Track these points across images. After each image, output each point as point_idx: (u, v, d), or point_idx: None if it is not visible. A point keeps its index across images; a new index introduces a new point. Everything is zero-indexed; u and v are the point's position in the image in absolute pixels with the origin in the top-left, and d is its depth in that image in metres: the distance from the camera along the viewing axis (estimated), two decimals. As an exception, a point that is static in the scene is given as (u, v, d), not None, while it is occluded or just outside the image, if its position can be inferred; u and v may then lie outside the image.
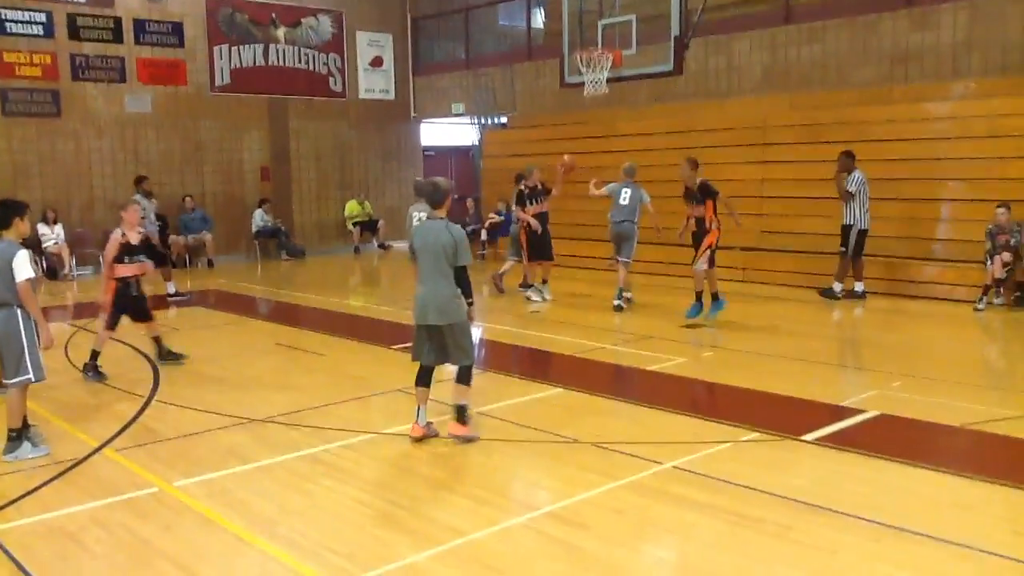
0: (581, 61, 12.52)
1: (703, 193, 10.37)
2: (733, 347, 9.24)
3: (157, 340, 9.02)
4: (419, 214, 12.51)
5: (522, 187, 12.68)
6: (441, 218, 6.23)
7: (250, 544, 4.63)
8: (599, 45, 12.53)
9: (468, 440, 6.18)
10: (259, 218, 19.04)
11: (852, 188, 11.86)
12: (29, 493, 5.36)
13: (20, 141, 16.66)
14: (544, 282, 12.61)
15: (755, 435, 6.18)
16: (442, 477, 5.56)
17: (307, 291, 14.42)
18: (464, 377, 6.26)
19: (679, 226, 11.00)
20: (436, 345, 6.22)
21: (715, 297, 10.45)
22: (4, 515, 5.04)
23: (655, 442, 6.11)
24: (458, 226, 6.22)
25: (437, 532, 4.70)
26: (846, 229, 12.01)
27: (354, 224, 20.12)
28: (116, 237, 8.55)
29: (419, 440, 6.20)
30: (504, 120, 19.81)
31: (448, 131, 22.46)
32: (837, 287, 12.02)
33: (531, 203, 12.56)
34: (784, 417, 6.75)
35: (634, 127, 16.31)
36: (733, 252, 13.87)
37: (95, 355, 8.46)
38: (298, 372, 8.72)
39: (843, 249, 12.03)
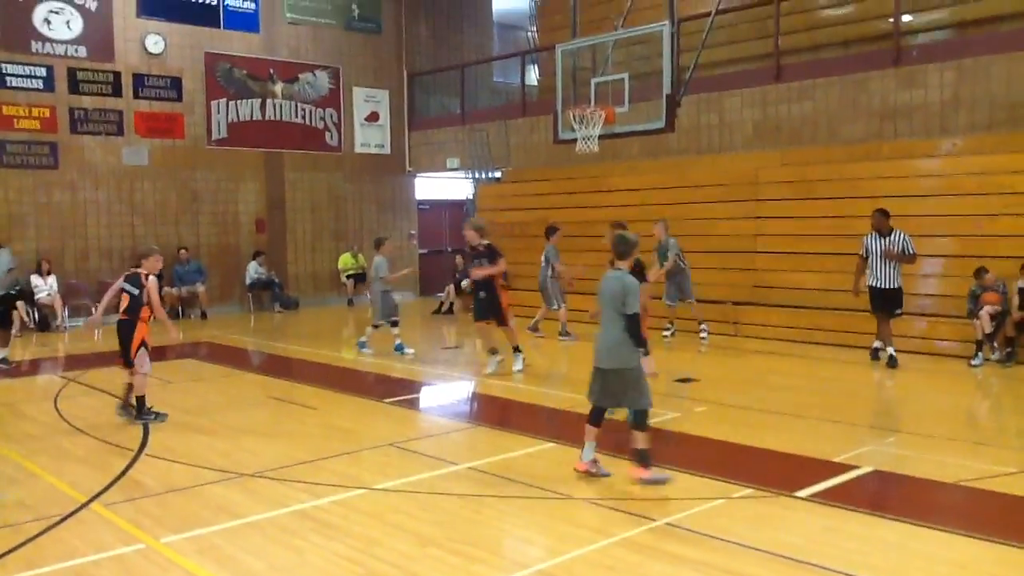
0: (574, 118, 12.69)
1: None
2: (726, 402, 9.23)
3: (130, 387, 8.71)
4: (381, 260, 13.03)
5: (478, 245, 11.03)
6: (621, 269, 6.59)
7: (237, 602, 4.58)
8: (592, 102, 12.72)
9: (655, 483, 6.30)
10: (253, 270, 19.08)
11: (912, 249, 10.98)
12: (14, 549, 5.28)
13: (16, 191, 16.75)
14: (517, 350, 11.21)
15: (748, 491, 6.15)
16: (432, 533, 5.50)
17: (300, 343, 14.41)
18: (638, 422, 6.43)
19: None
20: (605, 388, 6.50)
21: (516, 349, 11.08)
22: (-11, 571, 4.98)
23: (648, 499, 6.08)
24: (632, 277, 6.55)
25: (427, 590, 4.64)
26: (899, 291, 11.08)
27: (347, 277, 20.16)
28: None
29: (583, 474, 6.45)
30: (498, 174, 19.99)
31: (443, 185, 22.65)
32: (891, 350, 11.05)
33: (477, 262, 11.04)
34: (777, 473, 6.72)
35: (627, 182, 16.48)
36: (725, 306, 13.94)
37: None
38: (289, 425, 8.67)
39: (899, 312, 11.16)
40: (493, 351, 11.00)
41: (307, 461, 7.15)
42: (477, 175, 20.10)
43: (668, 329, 13.64)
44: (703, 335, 13.41)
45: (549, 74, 17.85)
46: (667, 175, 15.96)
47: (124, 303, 8.60)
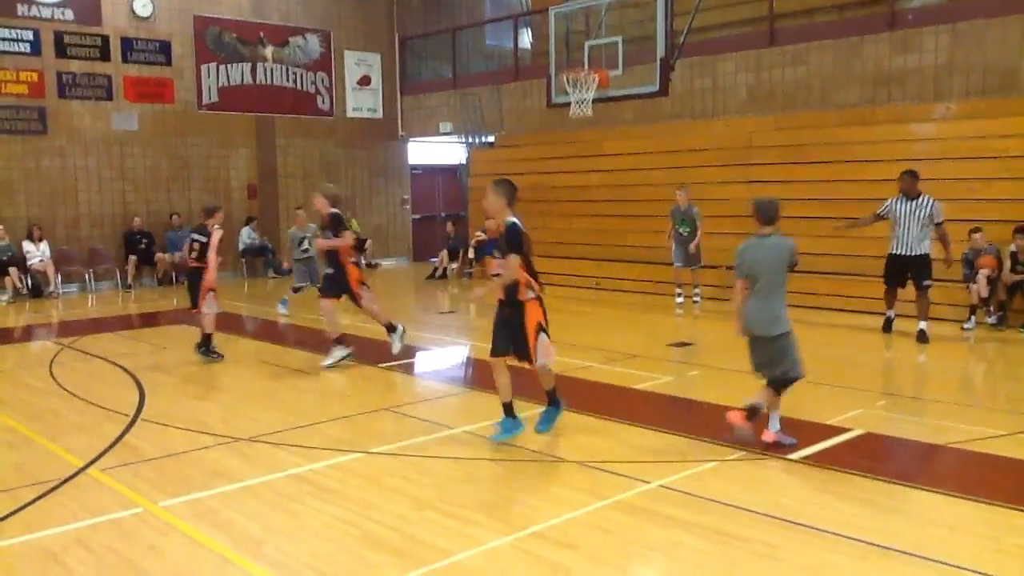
0: (568, 81, 12.62)
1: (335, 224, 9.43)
2: (718, 366, 9.28)
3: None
4: (302, 235, 13.44)
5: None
6: (771, 235, 6.38)
7: (236, 565, 4.61)
8: (585, 66, 12.63)
9: (784, 445, 6.24)
10: (246, 236, 19.01)
11: (940, 216, 10.27)
12: (13, 513, 5.31)
13: (5, 158, 16.61)
14: (391, 329, 9.86)
15: (740, 453, 6.20)
16: (428, 497, 5.54)
17: (292, 308, 14.39)
18: (781, 384, 6.35)
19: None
20: (773, 356, 6.34)
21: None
22: (-13, 535, 5.00)
23: (642, 461, 6.13)
24: (791, 239, 6.45)
25: (423, 552, 4.69)
26: (927, 259, 10.38)
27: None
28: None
29: (771, 445, 6.23)
30: (491, 139, 19.89)
31: (436, 150, 22.53)
32: (923, 324, 10.46)
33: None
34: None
35: (620, 147, 16.41)
36: (719, 271, 13.95)
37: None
38: (284, 390, 8.69)
39: (928, 283, 10.44)
40: (338, 340, 9.65)
41: (303, 426, 7.18)
42: (470, 140, 19.99)
43: (679, 295, 13.66)
44: (696, 299, 13.51)
45: (542, 38, 17.70)
46: (661, 140, 15.90)
47: (195, 252, 9.84)
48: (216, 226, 9.87)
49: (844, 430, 6.76)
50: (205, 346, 9.99)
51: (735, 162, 14.66)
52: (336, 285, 9.60)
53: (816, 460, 6.06)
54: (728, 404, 7.57)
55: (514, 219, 6.41)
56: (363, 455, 6.40)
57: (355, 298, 9.67)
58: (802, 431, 6.74)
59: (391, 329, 9.85)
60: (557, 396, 6.89)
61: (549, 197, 16.94)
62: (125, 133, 17.92)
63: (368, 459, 6.33)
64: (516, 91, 18.65)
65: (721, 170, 14.78)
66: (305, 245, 13.46)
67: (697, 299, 13.59)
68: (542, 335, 6.48)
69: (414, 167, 22.42)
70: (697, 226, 13.33)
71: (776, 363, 6.33)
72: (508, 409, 6.68)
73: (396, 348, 9.77)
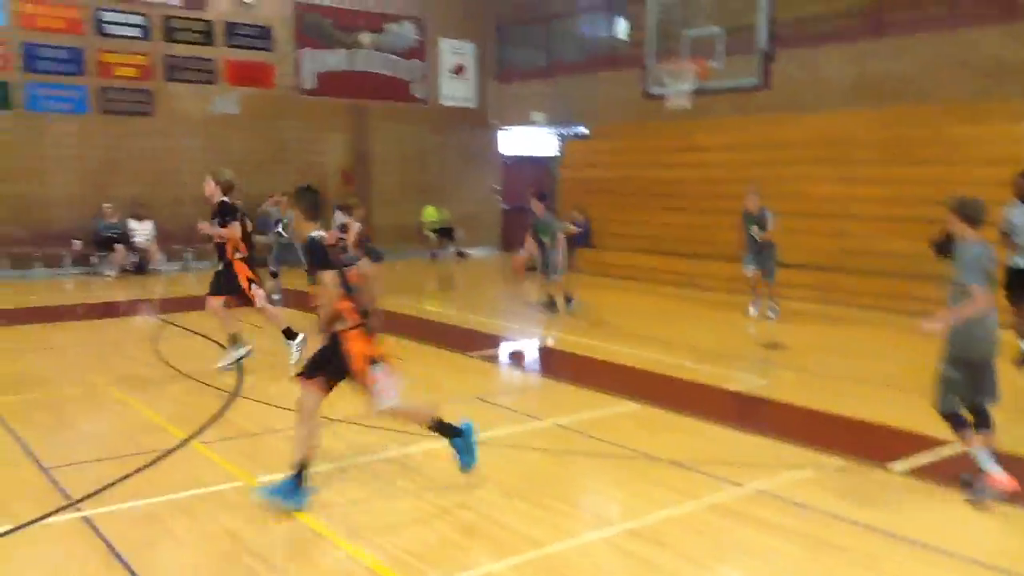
0: (665, 72, 12.45)
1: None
2: (815, 370, 9.06)
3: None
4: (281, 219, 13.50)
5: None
6: (978, 240, 5.40)
7: (331, 542, 4.71)
8: (684, 56, 12.45)
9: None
10: (339, 220, 19.29)
11: None
12: (122, 480, 5.53)
13: (115, 138, 17.24)
14: (288, 335, 8.99)
15: (839, 461, 6.04)
16: (520, 487, 5.56)
17: (384, 294, 14.59)
18: (981, 413, 5.46)
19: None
20: (988, 382, 5.41)
21: None
22: (99, 499, 5.21)
23: (735, 463, 6.02)
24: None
25: (515, 542, 4.70)
26: None
27: (431, 230, 20.30)
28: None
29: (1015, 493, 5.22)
30: (585, 130, 19.79)
31: (527, 139, 22.54)
32: None
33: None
34: (869, 444, 6.57)
35: (714, 140, 16.14)
36: (813, 272, 13.62)
37: None
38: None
39: None
40: (233, 339, 8.76)
41: (394, 410, 7.26)
42: (562, 130, 19.93)
43: (754, 304, 12.31)
44: (772, 313, 12.17)
45: (638, 28, 17.50)
46: (756, 134, 15.57)
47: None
48: (355, 221, 10.37)
49: (946, 442, 6.50)
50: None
51: (833, 158, 14.26)
52: (223, 283, 8.66)
53: (918, 471, 5.86)
54: (823, 409, 7.40)
55: (315, 233, 5.31)
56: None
57: (247, 298, 8.71)
58: (902, 441, 6.53)
59: (289, 336, 8.86)
60: (451, 424, 5.61)
61: (640, 190, 16.79)
62: (226, 116, 18.41)
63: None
64: (610, 81, 18.49)
65: (818, 166, 14.40)
66: (280, 228, 13.60)
67: (773, 314, 12.21)
68: (374, 368, 5.25)
69: (505, 156, 22.46)
70: (767, 229, 11.92)
71: (992, 388, 5.41)
72: (298, 468, 5.14)
73: (293, 358, 8.67)
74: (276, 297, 13.10)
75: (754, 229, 11.76)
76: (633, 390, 8.08)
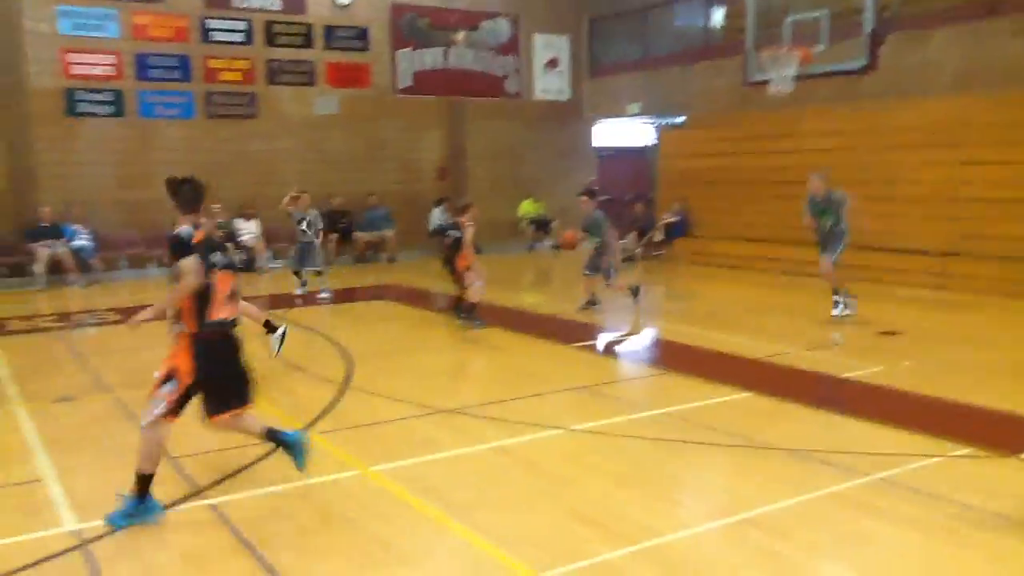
0: (767, 58, 12.17)
1: None
2: (933, 357, 8.72)
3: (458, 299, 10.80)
4: (302, 216, 13.77)
5: None
6: None
7: (449, 529, 4.75)
8: (786, 41, 12.14)
9: None
10: (436, 216, 19.55)
11: None
12: (246, 468, 5.70)
13: (221, 141, 17.80)
14: None
15: (967, 450, 5.79)
16: (632, 476, 5.51)
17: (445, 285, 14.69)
18: None
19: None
20: None
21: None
22: (224, 488, 5.39)
23: (855, 452, 5.84)
24: None
25: (631, 531, 4.66)
26: None
27: (528, 223, 20.34)
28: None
29: None
30: (680, 120, 19.52)
31: (623, 131, 22.36)
32: None
33: None
34: (997, 433, 6.29)
35: (817, 126, 15.68)
36: (930, 257, 13.14)
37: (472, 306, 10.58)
38: (479, 366, 8.88)
39: None
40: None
41: (501, 401, 7.31)
42: (659, 121, 19.70)
43: (837, 305, 10.72)
44: (841, 307, 10.73)
45: (737, 14, 17.14)
46: (862, 119, 15.05)
47: (449, 241, 10.92)
48: (469, 222, 10.70)
49: (1084, 431, 6.19)
50: (468, 312, 10.66)
51: (946, 143, 13.69)
52: None
53: (1053, 461, 5.58)
54: (945, 397, 7.11)
55: (182, 228, 5.02)
56: (563, 431, 6.43)
57: None
58: (1035, 429, 6.23)
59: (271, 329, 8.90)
60: (275, 431, 5.31)
61: (740, 179, 16.46)
62: (326, 117, 18.81)
63: (568, 436, 6.36)
64: (706, 70, 18.18)
65: (929, 151, 13.84)
66: (304, 227, 13.71)
67: (842, 308, 10.68)
68: (167, 386, 4.93)
69: (600, 149, 22.33)
70: (841, 215, 10.65)
71: None
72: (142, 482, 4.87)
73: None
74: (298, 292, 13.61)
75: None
76: (742, 378, 7.92)
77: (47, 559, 4.43)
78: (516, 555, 4.37)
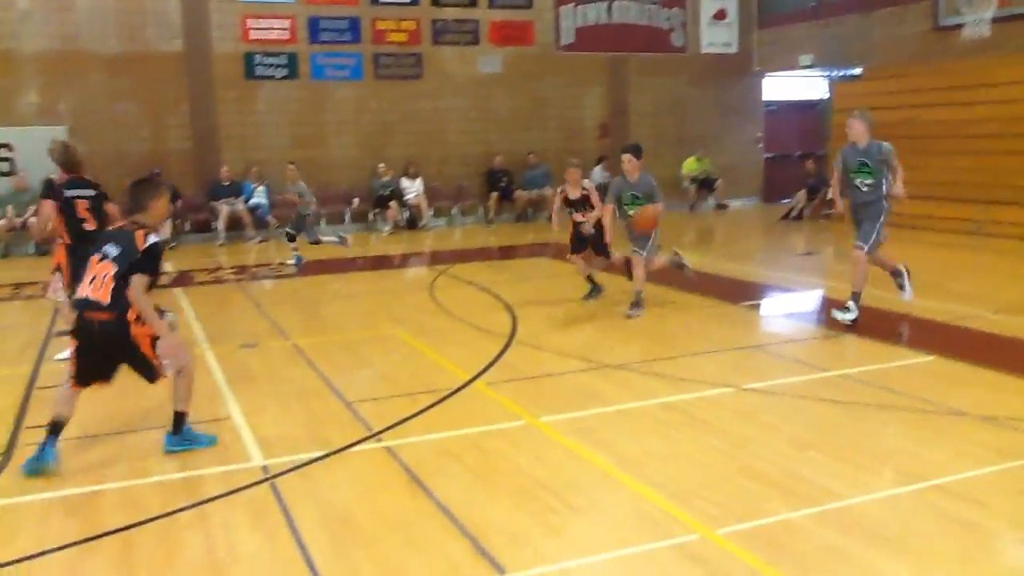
0: (962, 1, 11.26)
1: None
2: None
3: (590, 279, 9.78)
4: (293, 190, 13.14)
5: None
6: None
7: (619, 481, 4.69)
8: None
9: None
10: (597, 175, 19.35)
11: None
12: (417, 414, 5.84)
13: (388, 101, 18.22)
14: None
15: None
16: (810, 438, 5.28)
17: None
18: None
19: None
20: None
21: None
22: (398, 431, 5.53)
23: (1060, 421, 5.37)
24: None
25: (811, 492, 4.46)
26: None
27: (691, 181, 19.85)
28: (558, 192, 9.78)
29: None
30: (857, 71, 18.45)
31: (792, 85, 21.39)
32: None
33: None
34: None
35: (1015, 74, 14.41)
36: None
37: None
38: (644, 323, 8.72)
39: None
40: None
41: (670, 357, 7.17)
42: (833, 73, 18.70)
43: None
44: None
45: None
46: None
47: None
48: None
49: None
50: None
51: None
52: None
53: None
54: None
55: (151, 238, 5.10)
56: (735, 390, 6.23)
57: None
58: None
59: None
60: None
61: (925, 133, 15.38)
62: (489, 76, 18.90)
63: (740, 395, 6.16)
64: (888, 18, 17.05)
65: None
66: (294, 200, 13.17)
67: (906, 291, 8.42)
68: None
69: (768, 103, 21.46)
70: (885, 173, 7.90)
71: None
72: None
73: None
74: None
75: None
76: (924, 341, 7.46)
77: (238, 490, 4.68)
78: (690, 510, 4.26)
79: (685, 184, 19.93)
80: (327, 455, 5.15)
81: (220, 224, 16.10)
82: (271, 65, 17.43)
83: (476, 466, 4.98)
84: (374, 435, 5.48)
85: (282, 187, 15.68)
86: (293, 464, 5.01)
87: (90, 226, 7.28)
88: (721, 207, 19.72)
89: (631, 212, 8.89)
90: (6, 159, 15.46)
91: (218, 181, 16.57)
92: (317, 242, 13.06)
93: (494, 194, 18.42)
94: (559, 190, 9.83)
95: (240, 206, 16.31)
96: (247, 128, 17.47)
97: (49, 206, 7.25)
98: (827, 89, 19.10)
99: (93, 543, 4.13)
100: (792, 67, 19.83)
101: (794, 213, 17.39)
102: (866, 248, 7.97)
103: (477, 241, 16.05)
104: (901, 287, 8.35)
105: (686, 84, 20.48)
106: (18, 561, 3.96)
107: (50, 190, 7.29)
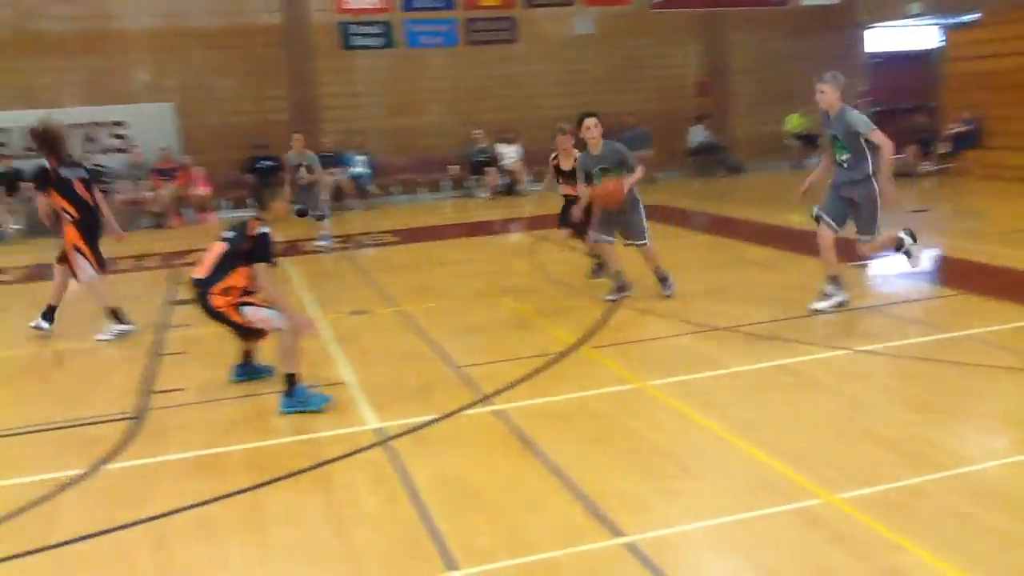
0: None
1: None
2: None
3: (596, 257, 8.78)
4: (299, 161, 12.74)
5: None
6: None
7: (733, 445, 4.63)
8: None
9: None
10: (697, 134, 19.00)
11: None
12: (526, 379, 5.87)
13: (482, 66, 18.23)
14: (115, 316, 7.69)
15: None
16: (933, 401, 5.10)
17: (747, 207, 14.15)
18: None
19: None
20: None
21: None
22: (507, 396, 5.58)
23: None
24: None
25: (938, 457, 4.31)
26: None
27: (794, 139, 19.28)
28: (551, 160, 9.11)
29: None
30: (973, 17, 17.51)
31: (899, 35, 20.47)
32: None
33: None
34: None
35: None
36: None
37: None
38: (752, 284, 8.55)
39: None
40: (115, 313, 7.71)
41: (779, 319, 7.01)
42: (945, 20, 17.81)
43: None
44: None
45: None
46: None
47: None
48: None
49: None
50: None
51: None
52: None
53: None
54: None
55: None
56: (850, 352, 6.06)
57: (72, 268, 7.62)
58: None
59: (115, 317, 7.65)
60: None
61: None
62: (582, 37, 18.68)
63: (855, 356, 5.99)
64: (1009, -43, 16.12)
65: None
66: (302, 172, 12.77)
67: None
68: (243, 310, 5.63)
69: (874, 55, 20.60)
70: (866, 146, 6.84)
71: None
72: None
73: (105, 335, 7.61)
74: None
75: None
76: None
77: (356, 452, 4.81)
78: (809, 474, 4.18)
79: (788, 141, 19.37)
80: (439, 419, 5.24)
81: (324, 194, 16.42)
82: (367, 35, 17.61)
83: (588, 430, 4.99)
84: (484, 399, 5.54)
85: (383, 153, 15.89)
86: (407, 427, 5.11)
87: (90, 203, 7.60)
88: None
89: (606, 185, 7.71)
90: (120, 136, 16.10)
91: (320, 152, 16.88)
92: (322, 217, 12.44)
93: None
94: (552, 157, 9.04)
95: (342, 175, 16.59)
96: (345, 98, 17.75)
97: (48, 195, 7.47)
98: (939, 37, 18.18)
99: (224, 501, 4.31)
100: (900, 16, 18.98)
101: (904, 170, 16.70)
102: (869, 239, 7.01)
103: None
104: (908, 255, 7.28)
105: (787, 38, 19.84)
106: (156, 518, 4.16)
107: (46, 178, 7.45)
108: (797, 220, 12.51)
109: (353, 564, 3.68)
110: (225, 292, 5.55)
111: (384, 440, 4.96)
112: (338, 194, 16.52)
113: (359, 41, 17.60)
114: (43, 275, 11.48)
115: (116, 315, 7.65)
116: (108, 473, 4.76)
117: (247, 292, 5.59)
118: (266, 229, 5.52)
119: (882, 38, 20.55)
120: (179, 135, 16.45)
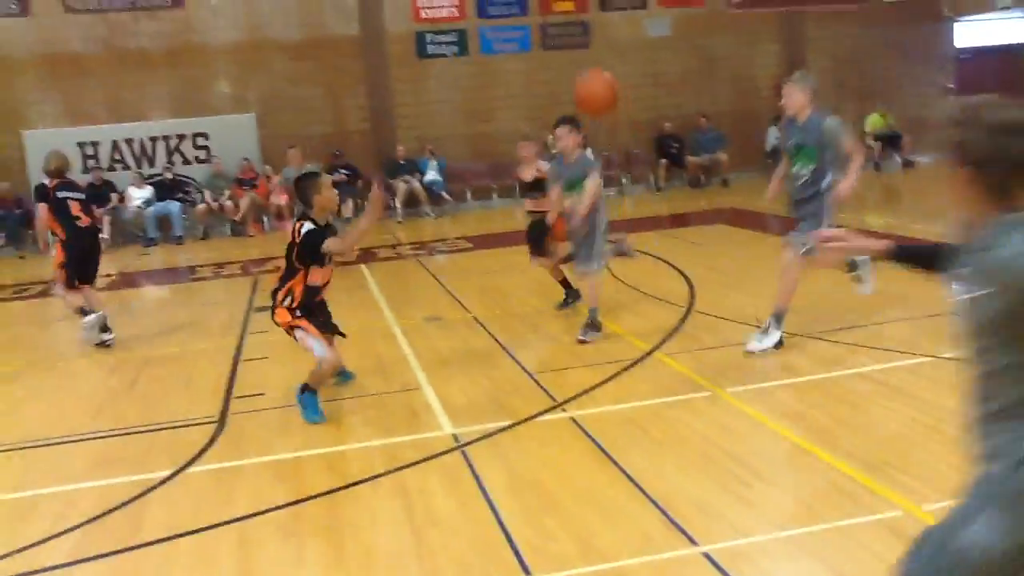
0: None
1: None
2: None
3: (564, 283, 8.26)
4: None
5: None
6: None
7: (810, 453, 4.55)
8: None
9: None
10: (774, 135, 18.66)
11: None
12: (598, 385, 5.87)
13: (556, 72, 18.19)
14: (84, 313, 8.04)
15: None
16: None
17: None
18: None
19: None
20: None
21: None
22: (580, 402, 5.59)
23: None
24: None
25: (1027, 468, 4.16)
26: None
27: (875, 139, 18.81)
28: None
29: None
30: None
31: (990, 29, 19.78)
32: None
33: None
34: None
35: None
36: None
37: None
38: (829, 289, 8.35)
39: None
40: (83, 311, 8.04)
41: (861, 325, 6.85)
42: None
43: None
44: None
45: None
46: None
47: None
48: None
49: None
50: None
51: None
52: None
53: None
54: None
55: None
56: (934, 359, 5.89)
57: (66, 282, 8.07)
58: None
59: (85, 314, 7.98)
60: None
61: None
62: (657, 39, 18.55)
63: (939, 364, 5.81)
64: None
65: None
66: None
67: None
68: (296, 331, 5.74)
69: (962, 50, 19.96)
70: (825, 161, 6.24)
71: None
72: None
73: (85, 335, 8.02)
74: None
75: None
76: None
77: (432, 457, 4.87)
78: (891, 485, 4.08)
79: (869, 142, 18.89)
80: (514, 424, 5.27)
81: (397, 202, 16.65)
82: (442, 43, 17.79)
83: (661, 436, 4.96)
84: (558, 405, 5.56)
85: (457, 160, 15.97)
86: (482, 433, 5.15)
87: (83, 223, 8.06)
88: (908, 164, 18.59)
89: (567, 204, 7.02)
90: (204, 147, 16.58)
91: (395, 159, 17.13)
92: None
93: (663, 161, 18.15)
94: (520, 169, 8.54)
95: (416, 183, 16.79)
96: (420, 106, 17.95)
97: (44, 210, 8.01)
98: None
99: (302, 505, 4.41)
100: (989, 9, 18.37)
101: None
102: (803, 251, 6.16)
103: (649, 209, 15.89)
104: (859, 280, 6.61)
105: (867, 34, 19.35)
106: (237, 520, 4.28)
107: (44, 194, 8.03)
108: (878, 223, 12.26)
109: (428, 568, 3.73)
110: (285, 301, 5.67)
111: (460, 446, 5.01)
112: (412, 200, 16.73)
113: (434, 49, 17.79)
114: (125, 283, 11.94)
115: (84, 312, 8.03)
116: (191, 476, 4.91)
117: (305, 306, 5.67)
118: (310, 226, 5.55)
119: (972, 32, 19.89)
120: (259, 145, 16.88)
